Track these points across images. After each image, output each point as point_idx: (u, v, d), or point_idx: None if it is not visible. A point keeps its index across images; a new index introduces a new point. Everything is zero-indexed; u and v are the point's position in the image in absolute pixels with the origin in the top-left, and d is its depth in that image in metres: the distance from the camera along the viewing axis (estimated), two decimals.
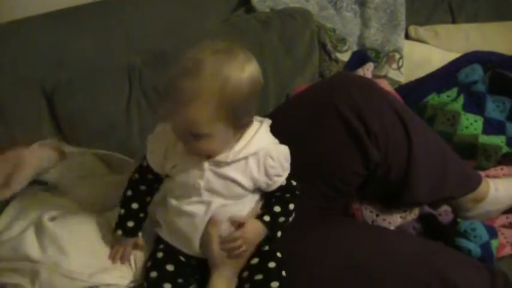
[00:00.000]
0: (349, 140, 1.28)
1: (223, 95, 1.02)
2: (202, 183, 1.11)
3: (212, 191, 1.12)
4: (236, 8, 1.97)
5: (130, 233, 1.18)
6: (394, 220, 1.41)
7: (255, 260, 1.15)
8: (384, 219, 1.40)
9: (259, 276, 1.12)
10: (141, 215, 1.19)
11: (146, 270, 1.15)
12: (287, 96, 1.80)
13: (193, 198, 1.12)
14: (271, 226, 1.13)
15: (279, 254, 1.16)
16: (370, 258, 1.20)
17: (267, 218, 1.13)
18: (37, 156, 1.31)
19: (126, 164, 1.43)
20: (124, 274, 1.18)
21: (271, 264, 1.14)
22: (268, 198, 1.17)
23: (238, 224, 1.13)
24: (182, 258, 1.16)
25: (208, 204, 1.12)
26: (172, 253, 1.16)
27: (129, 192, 1.19)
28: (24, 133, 1.52)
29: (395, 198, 1.36)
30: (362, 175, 1.31)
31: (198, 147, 1.07)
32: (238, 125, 1.08)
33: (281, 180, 1.15)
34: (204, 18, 1.89)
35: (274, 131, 1.19)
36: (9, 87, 1.54)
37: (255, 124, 1.15)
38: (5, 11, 1.66)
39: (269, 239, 1.17)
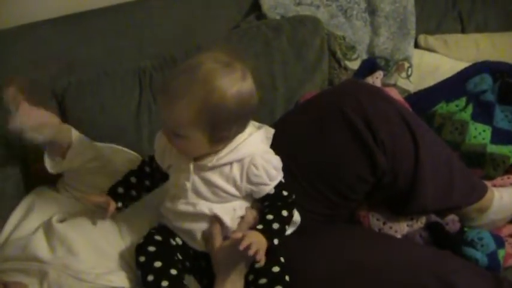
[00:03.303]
0: (356, 147, 1.28)
1: (206, 103, 1.05)
2: (188, 184, 1.14)
3: (198, 194, 1.15)
4: (247, 15, 1.98)
5: (115, 196, 1.23)
6: (400, 228, 1.40)
7: (259, 264, 1.14)
8: (391, 227, 1.40)
9: (263, 280, 1.13)
10: (133, 192, 1.25)
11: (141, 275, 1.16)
12: (295, 103, 1.81)
13: (182, 199, 1.16)
14: (266, 233, 1.12)
15: (282, 259, 1.16)
16: (376, 265, 1.20)
17: (259, 226, 1.13)
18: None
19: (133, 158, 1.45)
20: (130, 276, 1.18)
21: (275, 269, 1.14)
22: (262, 206, 1.19)
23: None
24: (173, 242, 1.20)
25: (193, 205, 1.15)
26: (164, 245, 1.18)
27: (135, 168, 1.27)
28: None
29: (402, 206, 1.36)
30: (369, 182, 1.31)
31: (176, 145, 1.13)
32: (214, 137, 1.10)
33: (268, 189, 1.16)
34: (215, 24, 1.90)
35: (282, 137, 1.19)
36: None
37: (246, 131, 1.15)
38: (15, 15, 1.68)
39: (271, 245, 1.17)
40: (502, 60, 1.83)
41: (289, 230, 1.22)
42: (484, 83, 1.75)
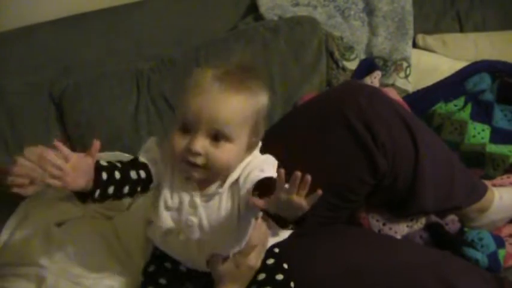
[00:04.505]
0: (356, 149, 1.28)
1: (257, 103, 1.03)
2: (195, 220, 1.05)
3: (202, 228, 1.06)
4: (244, 16, 1.98)
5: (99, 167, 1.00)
6: (400, 229, 1.40)
7: (262, 276, 1.13)
8: (391, 228, 1.40)
9: None
10: (111, 188, 1.01)
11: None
12: (294, 105, 1.80)
13: (182, 235, 1.07)
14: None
15: (285, 266, 1.15)
16: (376, 266, 1.20)
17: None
18: None
19: None
20: (129, 280, 1.18)
21: (279, 277, 1.12)
22: None
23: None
24: (169, 266, 1.15)
25: (198, 240, 1.08)
26: (163, 264, 1.15)
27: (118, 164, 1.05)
28: (32, 138, 1.52)
29: (402, 207, 1.35)
30: (369, 184, 1.31)
31: (212, 156, 0.99)
32: (250, 143, 1.05)
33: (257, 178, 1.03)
34: (212, 25, 1.90)
35: (282, 139, 1.19)
36: (17, 93, 1.55)
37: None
38: (13, 17, 1.68)
39: (273, 253, 1.16)
40: (501, 60, 1.83)
41: (287, 233, 1.22)
42: (483, 82, 1.75)
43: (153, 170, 1.05)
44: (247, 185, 1.01)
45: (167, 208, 1.06)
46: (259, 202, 0.91)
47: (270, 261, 1.15)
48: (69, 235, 1.21)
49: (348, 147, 1.28)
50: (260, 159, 1.07)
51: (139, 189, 1.05)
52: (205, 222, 1.05)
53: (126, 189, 1.02)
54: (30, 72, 1.60)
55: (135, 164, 1.05)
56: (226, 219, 1.04)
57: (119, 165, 1.02)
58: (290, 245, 1.19)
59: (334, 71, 1.92)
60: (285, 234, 1.22)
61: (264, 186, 0.96)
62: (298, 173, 0.87)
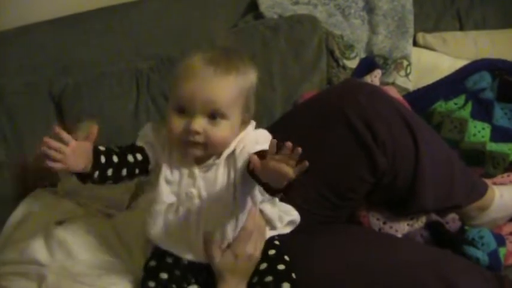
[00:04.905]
0: (357, 147, 1.28)
1: (247, 80, 1.09)
2: (195, 191, 1.10)
3: (202, 201, 1.10)
4: (244, 14, 1.98)
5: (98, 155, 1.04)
6: (401, 228, 1.40)
7: (264, 265, 1.15)
8: (391, 227, 1.40)
9: (269, 278, 1.12)
10: (110, 170, 1.06)
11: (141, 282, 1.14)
12: (294, 103, 1.80)
13: (182, 209, 1.11)
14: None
15: (286, 257, 1.16)
16: (377, 265, 1.19)
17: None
18: None
19: None
20: (130, 278, 1.18)
21: (281, 267, 1.13)
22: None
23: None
24: (170, 260, 1.15)
25: (198, 214, 1.11)
26: (164, 259, 1.15)
27: (115, 149, 1.10)
28: (32, 138, 1.52)
29: (402, 205, 1.35)
30: (369, 183, 1.31)
31: (210, 133, 1.04)
32: (243, 119, 1.10)
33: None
34: (212, 24, 1.90)
35: (282, 138, 1.18)
36: (17, 92, 1.55)
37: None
38: (11, 17, 1.67)
39: (273, 244, 1.16)
40: (501, 58, 1.83)
41: (288, 229, 1.22)
42: (483, 80, 1.75)
43: (150, 153, 1.11)
44: (243, 156, 1.07)
45: (168, 182, 1.11)
46: (256, 161, 0.95)
47: (271, 251, 1.16)
48: (69, 233, 1.21)
49: (348, 145, 1.29)
50: (255, 133, 1.13)
51: (137, 171, 1.10)
52: (204, 193, 1.10)
53: (124, 171, 1.08)
54: (29, 72, 1.59)
55: (132, 148, 1.11)
56: (222, 191, 1.09)
57: (116, 149, 1.09)
58: (290, 242, 1.18)
59: (334, 70, 1.92)
60: (285, 229, 1.22)
61: (259, 158, 0.99)
62: (289, 143, 0.91)
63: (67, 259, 1.17)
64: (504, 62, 1.80)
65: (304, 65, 1.85)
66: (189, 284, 1.15)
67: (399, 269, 1.18)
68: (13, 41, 1.62)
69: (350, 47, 1.97)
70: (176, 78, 1.09)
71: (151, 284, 1.12)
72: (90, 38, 1.70)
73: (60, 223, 1.25)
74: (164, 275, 1.13)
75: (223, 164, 1.10)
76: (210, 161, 1.10)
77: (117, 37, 1.73)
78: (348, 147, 1.28)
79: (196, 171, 1.10)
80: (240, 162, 1.08)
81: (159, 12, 1.82)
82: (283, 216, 1.21)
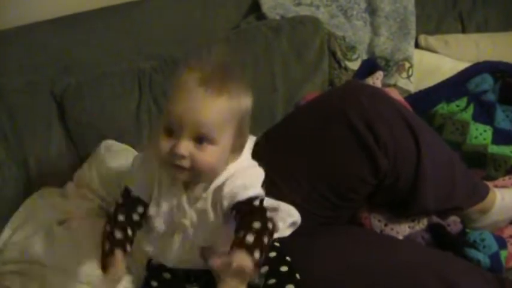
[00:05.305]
0: (358, 149, 1.28)
1: (240, 103, 1.03)
2: (187, 222, 1.08)
3: (195, 228, 1.09)
4: (246, 15, 1.98)
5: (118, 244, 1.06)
6: (402, 230, 1.40)
7: (265, 268, 1.13)
8: (392, 229, 1.40)
9: (272, 281, 1.11)
10: (129, 244, 1.07)
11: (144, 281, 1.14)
12: (296, 104, 1.80)
13: (177, 237, 1.10)
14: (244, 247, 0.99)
15: (288, 258, 1.15)
16: (378, 267, 1.19)
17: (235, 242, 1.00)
18: None
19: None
20: (132, 278, 1.18)
21: (284, 268, 1.13)
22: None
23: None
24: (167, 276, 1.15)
25: (191, 242, 1.11)
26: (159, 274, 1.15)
27: (121, 218, 1.09)
28: (33, 138, 1.52)
29: (403, 207, 1.35)
30: (371, 184, 1.31)
31: (196, 158, 1.01)
32: (235, 145, 1.06)
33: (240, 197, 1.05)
34: (214, 24, 1.90)
35: (284, 139, 1.18)
36: (18, 92, 1.55)
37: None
38: (12, 17, 1.67)
39: (274, 246, 1.16)
40: (503, 60, 1.82)
41: (288, 232, 1.22)
42: (485, 83, 1.75)
43: (144, 197, 1.10)
44: (230, 198, 1.04)
45: (158, 215, 1.10)
46: (216, 263, 0.96)
47: (272, 254, 1.15)
48: (71, 233, 1.21)
49: (349, 147, 1.28)
50: (247, 172, 1.08)
51: (144, 220, 1.11)
52: (196, 222, 1.08)
53: (137, 228, 1.10)
54: (29, 72, 1.59)
55: (132, 205, 1.10)
56: (213, 218, 1.07)
57: (122, 218, 1.07)
58: (290, 244, 1.18)
59: (336, 71, 1.92)
60: (285, 232, 1.22)
61: (243, 204, 1.02)
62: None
63: (68, 259, 1.17)
64: (506, 64, 1.80)
65: (306, 66, 1.85)
66: (191, 284, 1.15)
67: (400, 270, 1.18)
68: (14, 41, 1.62)
69: (352, 48, 1.97)
70: (169, 94, 1.05)
71: (154, 283, 1.12)
72: (91, 37, 1.70)
73: (61, 223, 1.25)
74: (167, 275, 1.13)
75: (210, 197, 1.07)
76: (198, 191, 1.07)
77: (119, 37, 1.73)
78: (349, 149, 1.28)
79: (186, 205, 1.08)
80: (226, 204, 1.04)
81: (160, 12, 1.82)
82: (285, 218, 1.20)
